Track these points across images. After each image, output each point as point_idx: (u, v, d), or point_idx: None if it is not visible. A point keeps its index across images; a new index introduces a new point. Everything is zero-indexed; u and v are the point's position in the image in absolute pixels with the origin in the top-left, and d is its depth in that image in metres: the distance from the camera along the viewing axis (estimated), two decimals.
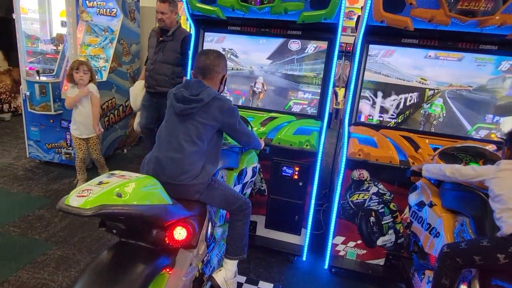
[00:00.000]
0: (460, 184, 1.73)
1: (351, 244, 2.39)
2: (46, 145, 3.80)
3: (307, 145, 2.30)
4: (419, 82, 2.44)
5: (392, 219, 2.28)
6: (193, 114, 1.55)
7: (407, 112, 2.47)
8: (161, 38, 3.19)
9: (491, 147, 2.14)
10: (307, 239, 2.45)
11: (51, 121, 3.69)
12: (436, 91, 2.42)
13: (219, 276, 1.74)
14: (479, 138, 2.35)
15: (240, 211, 1.72)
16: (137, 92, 3.40)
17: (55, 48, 4.54)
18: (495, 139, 2.34)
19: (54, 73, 3.90)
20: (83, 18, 4.14)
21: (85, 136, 3.24)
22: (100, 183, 1.18)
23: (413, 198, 1.99)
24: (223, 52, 2.78)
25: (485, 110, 2.36)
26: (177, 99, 1.57)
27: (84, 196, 1.08)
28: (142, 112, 3.44)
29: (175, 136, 1.55)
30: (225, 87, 1.83)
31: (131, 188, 1.20)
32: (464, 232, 1.58)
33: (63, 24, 3.92)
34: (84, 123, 3.20)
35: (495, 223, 1.40)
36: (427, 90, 2.43)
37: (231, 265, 1.75)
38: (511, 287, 1.23)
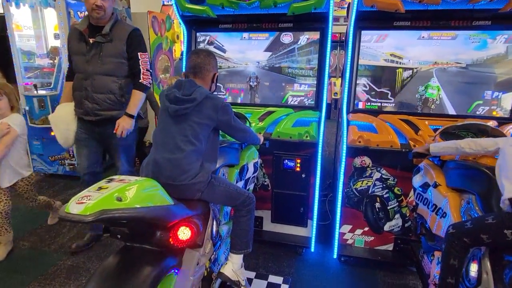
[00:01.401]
0: (464, 162, 1.71)
1: (359, 231, 2.38)
2: (49, 158, 3.83)
3: (306, 136, 2.29)
4: (414, 64, 2.41)
5: (397, 203, 2.26)
6: (187, 114, 1.55)
7: (405, 95, 2.45)
8: (92, 39, 2.17)
9: (492, 124, 2.11)
10: (314, 230, 2.45)
11: (52, 133, 3.71)
12: (431, 71, 2.39)
13: (227, 270, 1.75)
14: (480, 115, 2.33)
15: (244, 206, 1.72)
16: (68, 121, 2.32)
17: (52, 61, 4.57)
18: (496, 115, 2.32)
19: (51, 86, 3.93)
20: None
21: (7, 184, 2.37)
22: (100, 188, 1.18)
23: (417, 180, 1.97)
24: (206, 45, 2.78)
25: (483, 87, 2.33)
26: (170, 100, 1.57)
27: (83, 203, 1.08)
28: (78, 151, 2.42)
29: (171, 137, 1.56)
30: (217, 85, 1.83)
31: (131, 191, 1.19)
32: (471, 210, 1.57)
33: (56, 36, 3.94)
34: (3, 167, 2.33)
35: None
36: (423, 71, 2.40)
37: (236, 259, 1.77)
38: None
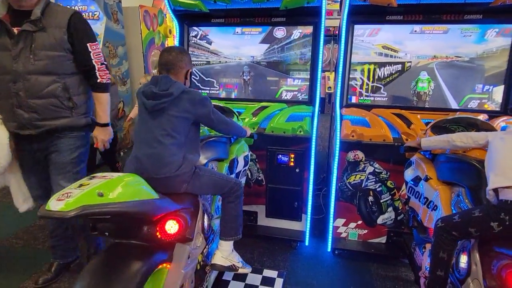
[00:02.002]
0: (454, 155, 1.74)
1: (352, 225, 2.41)
2: None
3: (300, 131, 2.29)
4: (407, 59, 2.42)
5: (390, 196, 2.29)
6: (164, 108, 1.56)
7: (397, 89, 2.47)
8: (17, 28, 1.68)
9: (483, 117, 2.14)
10: (308, 224, 2.47)
11: None
12: (423, 65, 2.40)
13: (217, 258, 1.76)
14: (471, 108, 2.35)
15: (232, 193, 1.72)
16: (2, 138, 1.80)
17: None
18: (488, 108, 2.35)
19: None
20: None
21: None
22: (81, 185, 1.17)
23: (408, 174, 2.00)
24: (196, 40, 2.76)
25: (474, 80, 2.35)
26: (147, 96, 1.57)
27: (64, 200, 1.07)
28: (27, 176, 1.98)
29: (150, 132, 1.56)
30: (191, 81, 1.82)
31: (113, 187, 1.19)
32: (461, 203, 1.59)
33: None
34: None
35: None
36: (413, 65, 2.42)
37: (225, 246, 1.77)
38: (508, 251, 1.24)
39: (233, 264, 1.79)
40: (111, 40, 4.21)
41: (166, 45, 5.32)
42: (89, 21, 4.37)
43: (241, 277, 2.18)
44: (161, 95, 1.54)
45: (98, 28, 4.11)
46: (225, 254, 1.78)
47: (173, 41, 5.87)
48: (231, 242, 1.79)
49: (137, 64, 4.78)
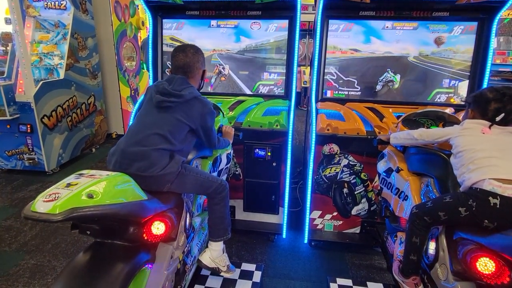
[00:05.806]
0: (423, 147, 1.81)
1: (328, 216, 2.47)
2: (6, 152, 3.59)
3: (277, 125, 2.31)
4: (379, 54, 2.49)
5: (364, 188, 2.36)
6: (170, 108, 1.53)
7: (370, 84, 2.53)
8: None
9: (449, 110, 2.24)
10: (285, 217, 2.50)
11: (8, 126, 3.47)
12: (392, 60, 2.48)
13: (205, 258, 1.76)
14: (439, 102, 2.46)
15: (217, 194, 1.71)
16: None
17: (4, 48, 4.24)
18: (454, 102, 2.46)
19: (5, 75, 3.66)
20: (29, 14, 3.87)
21: None
22: (69, 185, 1.11)
23: (381, 166, 2.06)
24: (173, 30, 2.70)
25: (442, 76, 2.46)
26: (158, 91, 1.54)
27: (51, 201, 1.01)
28: None
29: (147, 128, 1.52)
30: (204, 82, 1.81)
31: (102, 187, 1.14)
32: (429, 192, 1.67)
33: (8, 21, 3.66)
34: None
35: (457, 180, 1.48)
36: (385, 60, 2.49)
37: (215, 246, 1.78)
38: (472, 237, 1.32)
39: (218, 267, 1.79)
40: (79, 31, 4.01)
41: (139, 38, 5.15)
42: (55, 11, 4.16)
43: None
44: (172, 94, 1.50)
45: (66, 18, 3.91)
46: (214, 255, 1.77)
47: (146, 33, 5.69)
48: (221, 242, 1.79)
49: (108, 57, 4.60)
